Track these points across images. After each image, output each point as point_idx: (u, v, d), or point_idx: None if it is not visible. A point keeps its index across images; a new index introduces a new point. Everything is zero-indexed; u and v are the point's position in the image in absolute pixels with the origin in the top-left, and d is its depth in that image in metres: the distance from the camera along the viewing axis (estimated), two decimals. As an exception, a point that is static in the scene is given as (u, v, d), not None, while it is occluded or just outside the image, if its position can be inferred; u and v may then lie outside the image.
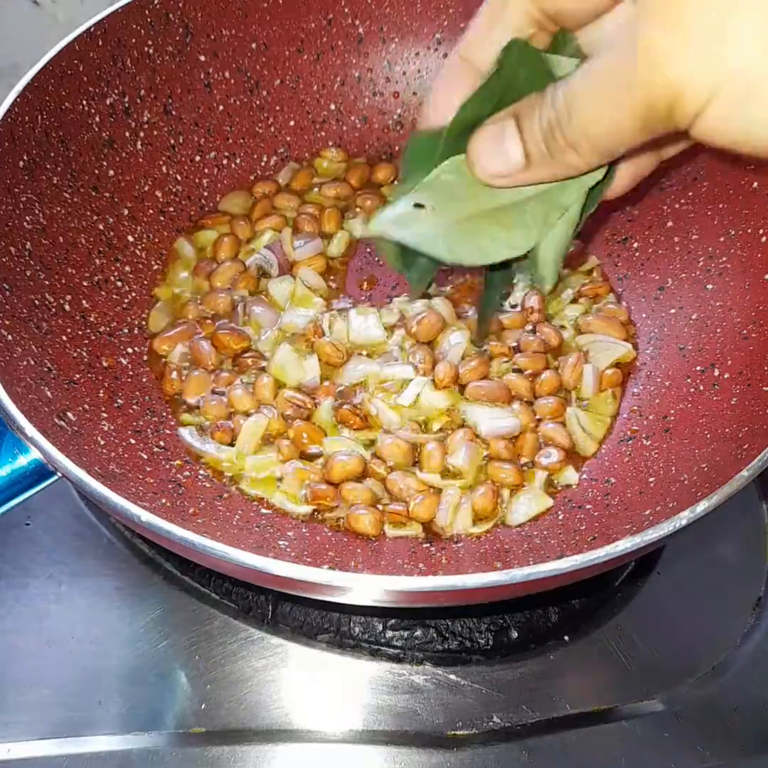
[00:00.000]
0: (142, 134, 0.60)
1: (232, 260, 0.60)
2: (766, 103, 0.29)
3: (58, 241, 0.54)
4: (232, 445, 0.52)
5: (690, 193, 0.58)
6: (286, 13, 0.63)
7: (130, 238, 0.59)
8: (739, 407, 0.48)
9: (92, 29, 0.55)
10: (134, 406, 0.52)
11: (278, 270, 0.60)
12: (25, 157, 0.52)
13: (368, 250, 0.63)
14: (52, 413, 0.46)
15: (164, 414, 0.53)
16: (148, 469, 0.48)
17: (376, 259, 0.62)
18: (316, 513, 0.50)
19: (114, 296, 0.56)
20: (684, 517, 0.38)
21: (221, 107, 0.63)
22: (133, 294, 0.58)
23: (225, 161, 0.64)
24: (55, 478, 0.46)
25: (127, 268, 0.58)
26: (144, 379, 0.55)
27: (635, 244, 0.60)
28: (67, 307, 0.53)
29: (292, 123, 0.66)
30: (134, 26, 0.58)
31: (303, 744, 0.48)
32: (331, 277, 0.61)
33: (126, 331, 0.56)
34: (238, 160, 0.65)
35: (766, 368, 0.49)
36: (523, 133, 0.36)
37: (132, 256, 0.59)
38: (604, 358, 0.56)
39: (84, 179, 0.56)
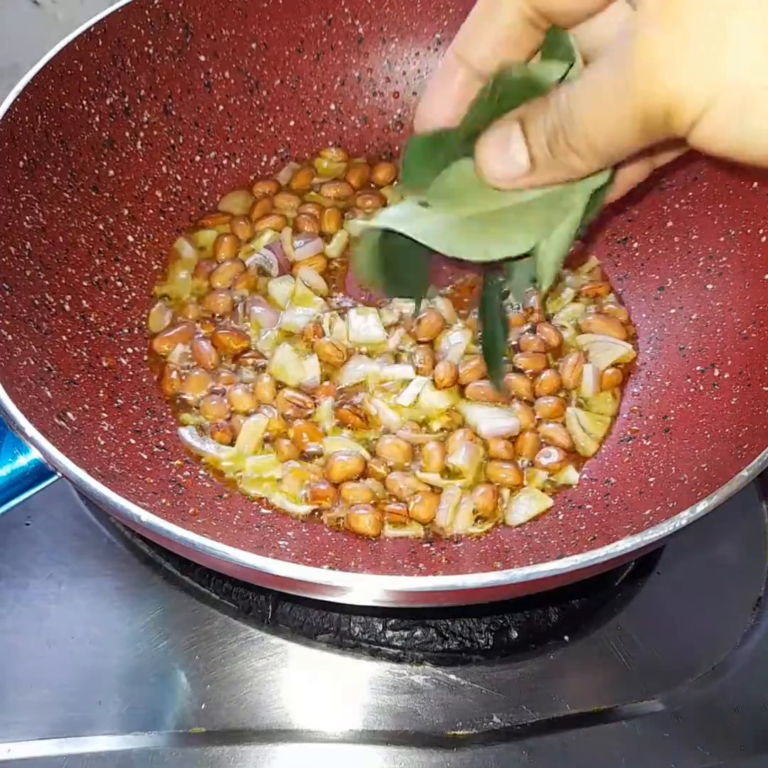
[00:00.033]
0: (142, 134, 0.60)
1: (232, 260, 0.60)
2: (763, 113, 0.29)
3: (58, 241, 0.54)
4: (232, 445, 0.52)
5: (690, 193, 0.58)
6: (286, 13, 0.63)
7: (130, 238, 0.59)
8: (739, 407, 0.48)
9: (92, 29, 0.55)
10: (134, 406, 0.52)
11: (278, 270, 0.60)
12: (25, 157, 0.52)
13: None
14: (52, 413, 0.46)
15: (164, 414, 0.53)
16: (148, 469, 0.48)
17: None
18: (316, 513, 0.50)
19: (114, 296, 0.56)
20: (684, 517, 0.38)
21: (221, 107, 0.63)
22: (133, 294, 0.58)
23: (225, 161, 0.64)
24: (55, 478, 0.46)
25: (127, 268, 0.58)
26: (144, 379, 0.55)
27: (635, 244, 0.60)
28: (67, 307, 0.53)
29: (292, 123, 0.66)
30: (134, 26, 0.58)
31: (303, 744, 0.48)
32: (331, 277, 0.61)
33: (126, 331, 0.56)
34: (238, 160, 0.65)
35: (766, 368, 0.49)
36: (528, 138, 0.36)
37: (132, 256, 0.59)
38: (604, 358, 0.56)
39: (84, 179, 0.56)
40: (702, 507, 0.38)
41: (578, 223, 0.40)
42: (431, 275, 0.45)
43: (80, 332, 0.53)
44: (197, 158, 0.63)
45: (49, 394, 0.47)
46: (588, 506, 0.49)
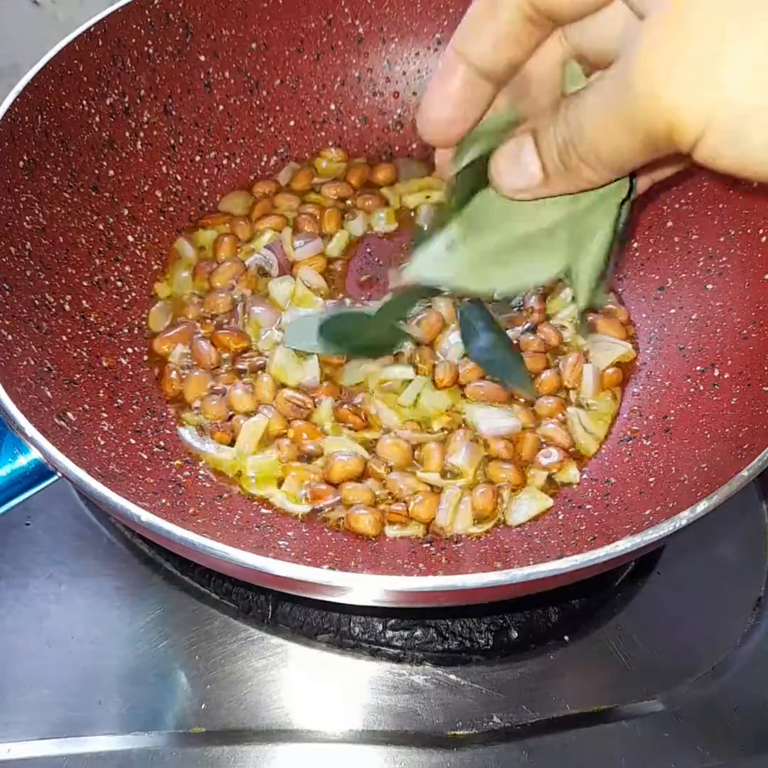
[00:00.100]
0: (142, 134, 0.60)
1: (232, 260, 0.60)
2: (759, 132, 0.29)
3: (58, 241, 0.54)
4: (232, 445, 0.52)
5: (690, 193, 0.58)
6: (286, 13, 0.63)
7: (130, 238, 0.59)
8: (739, 407, 0.48)
9: (92, 29, 0.55)
10: (134, 406, 0.52)
11: (278, 270, 0.60)
12: (25, 157, 0.52)
13: (368, 250, 0.63)
14: (52, 413, 0.46)
15: (164, 414, 0.53)
16: (148, 469, 0.48)
17: (376, 259, 0.62)
18: (315, 513, 0.50)
19: (114, 296, 0.56)
20: (684, 517, 0.38)
21: (221, 107, 0.63)
22: (133, 294, 0.58)
23: (225, 161, 0.64)
24: (55, 478, 0.46)
25: (127, 268, 0.58)
26: (144, 379, 0.55)
27: (635, 244, 0.60)
28: (67, 307, 0.53)
29: (292, 123, 0.66)
30: (134, 26, 0.58)
31: (303, 744, 0.48)
32: (331, 277, 0.61)
33: (126, 331, 0.56)
34: (238, 160, 0.65)
35: (766, 368, 0.49)
36: (540, 150, 0.37)
37: (132, 256, 0.59)
38: (604, 358, 0.56)
39: (84, 179, 0.56)
40: (702, 507, 0.38)
41: (608, 245, 0.41)
42: None
43: (80, 332, 0.53)
44: (197, 158, 0.63)
45: (49, 394, 0.47)
46: (588, 506, 0.49)
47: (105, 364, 0.53)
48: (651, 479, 0.49)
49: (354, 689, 0.50)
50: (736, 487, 0.39)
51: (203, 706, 0.49)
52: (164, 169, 0.61)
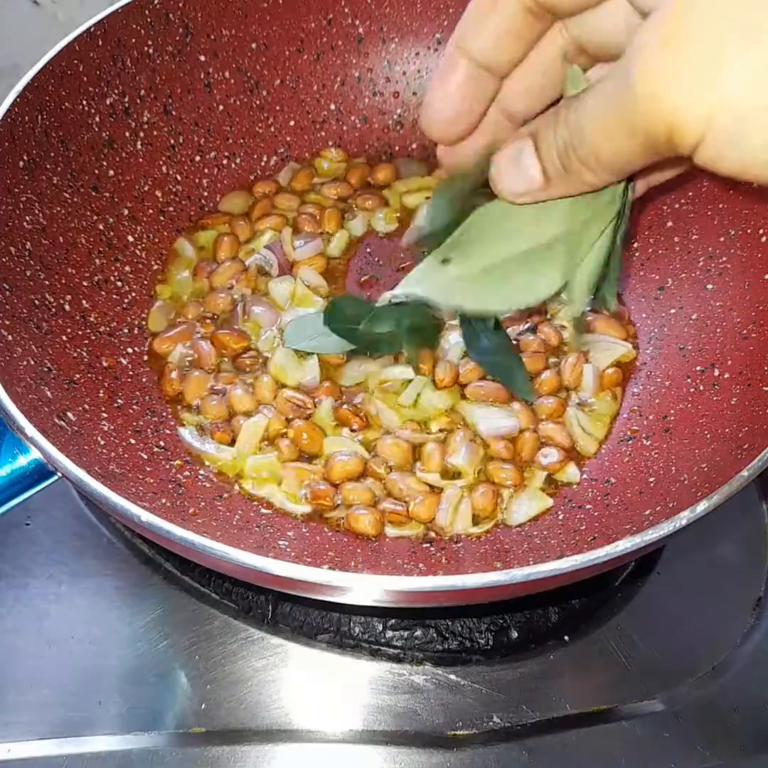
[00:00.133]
0: (142, 134, 0.60)
1: (232, 260, 0.60)
2: (758, 134, 0.29)
3: (58, 241, 0.54)
4: (232, 445, 0.52)
5: (690, 193, 0.58)
6: (286, 13, 0.63)
7: (130, 238, 0.59)
8: (739, 407, 0.48)
9: (92, 29, 0.55)
10: (134, 406, 0.52)
11: (278, 270, 0.60)
12: (25, 157, 0.52)
13: (368, 250, 0.63)
14: (52, 413, 0.46)
15: (164, 414, 0.53)
16: (148, 469, 0.48)
17: (376, 259, 0.62)
18: (315, 513, 0.50)
19: (114, 296, 0.56)
20: (684, 517, 0.38)
21: (221, 107, 0.63)
22: (133, 294, 0.58)
23: (225, 161, 0.64)
24: (55, 478, 0.46)
25: (127, 268, 0.58)
26: (144, 379, 0.55)
27: (635, 244, 0.60)
28: (67, 307, 0.53)
29: (292, 123, 0.66)
30: (134, 26, 0.58)
31: (303, 744, 0.48)
32: (331, 277, 0.61)
33: (126, 331, 0.56)
34: (238, 160, 0.65)
35: (766, 368, 0.49)
36: (540, 153, 0.37)
37: (132, 256, 0.59)
38: (604, 358, 0.56)
39: (84, 179, 0.56)
40: (702, 507, 0.38)
41: (608, 249, 0.41)
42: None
43: (80, 332, 0.53)
44: (197, 158, 0.63)
45: (49, 394, 0.47)
46: (588, 506, 0.49)
47: (105, 364, 0.53)
48: (651, 479, 0.49)
49: (354, 689, 0.50)
50: (736, 487, 0.39)
51: (203, 706, 0.49)
52: (164, 169, 0.61)
